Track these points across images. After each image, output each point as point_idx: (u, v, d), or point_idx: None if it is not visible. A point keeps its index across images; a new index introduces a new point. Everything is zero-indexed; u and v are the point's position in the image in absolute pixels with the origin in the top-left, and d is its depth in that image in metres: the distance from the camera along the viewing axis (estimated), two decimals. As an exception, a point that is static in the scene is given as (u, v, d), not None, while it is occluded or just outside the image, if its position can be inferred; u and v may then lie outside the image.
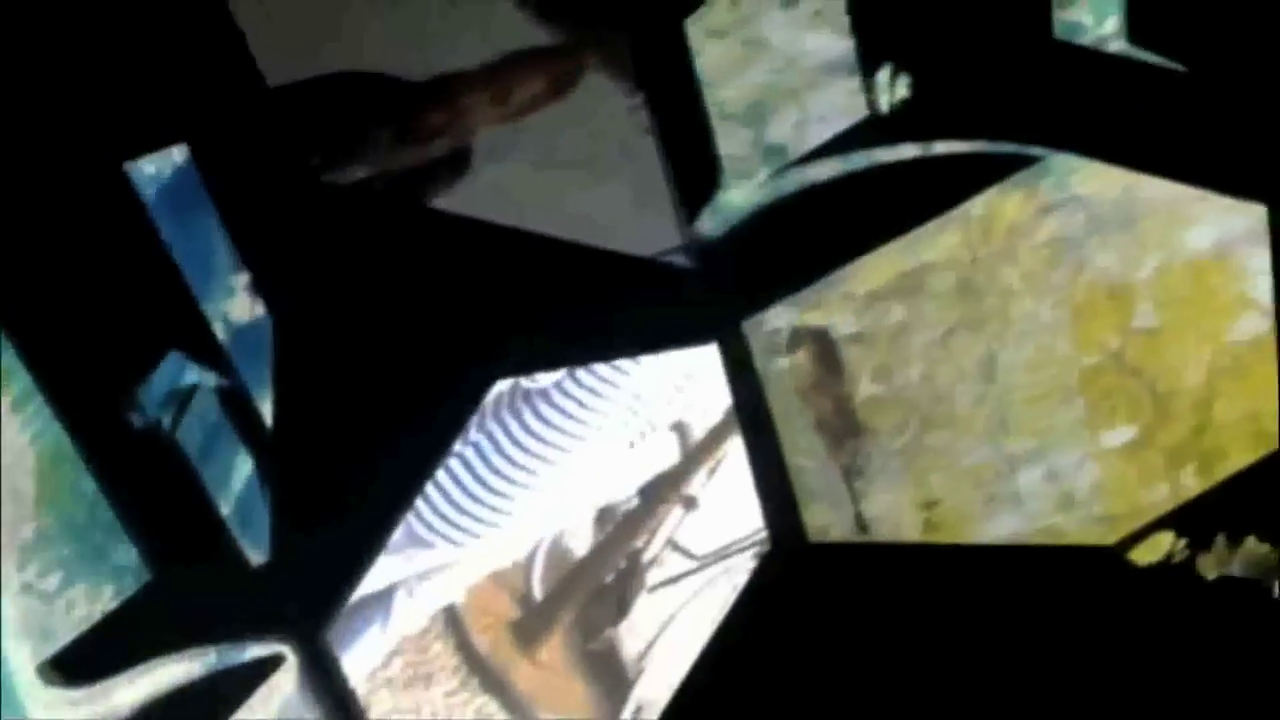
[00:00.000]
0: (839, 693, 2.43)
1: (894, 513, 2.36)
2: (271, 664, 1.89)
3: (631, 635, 2.35)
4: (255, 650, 1.87)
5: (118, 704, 1.75)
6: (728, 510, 2.43)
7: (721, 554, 2.45)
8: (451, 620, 2.15)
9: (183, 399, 1.74)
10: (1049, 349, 2.15)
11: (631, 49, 1.97)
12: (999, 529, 2.29)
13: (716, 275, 2.19)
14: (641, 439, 2.35)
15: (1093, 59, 1.98)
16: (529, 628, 2.24)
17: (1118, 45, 1.98)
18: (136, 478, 1.72)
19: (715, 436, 2.37)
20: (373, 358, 1.95)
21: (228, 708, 1.86)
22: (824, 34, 2.00)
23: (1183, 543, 2.26)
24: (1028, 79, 2.00)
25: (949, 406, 2.23)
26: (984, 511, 2.29)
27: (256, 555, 1.86)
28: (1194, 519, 2.26)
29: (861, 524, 2.42)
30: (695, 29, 1.98)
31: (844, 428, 2.38)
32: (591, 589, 2.30)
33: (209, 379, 1.77)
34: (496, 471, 2.15)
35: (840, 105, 2.08)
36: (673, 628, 2.40)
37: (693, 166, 2.09)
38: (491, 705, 2.24)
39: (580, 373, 2.23)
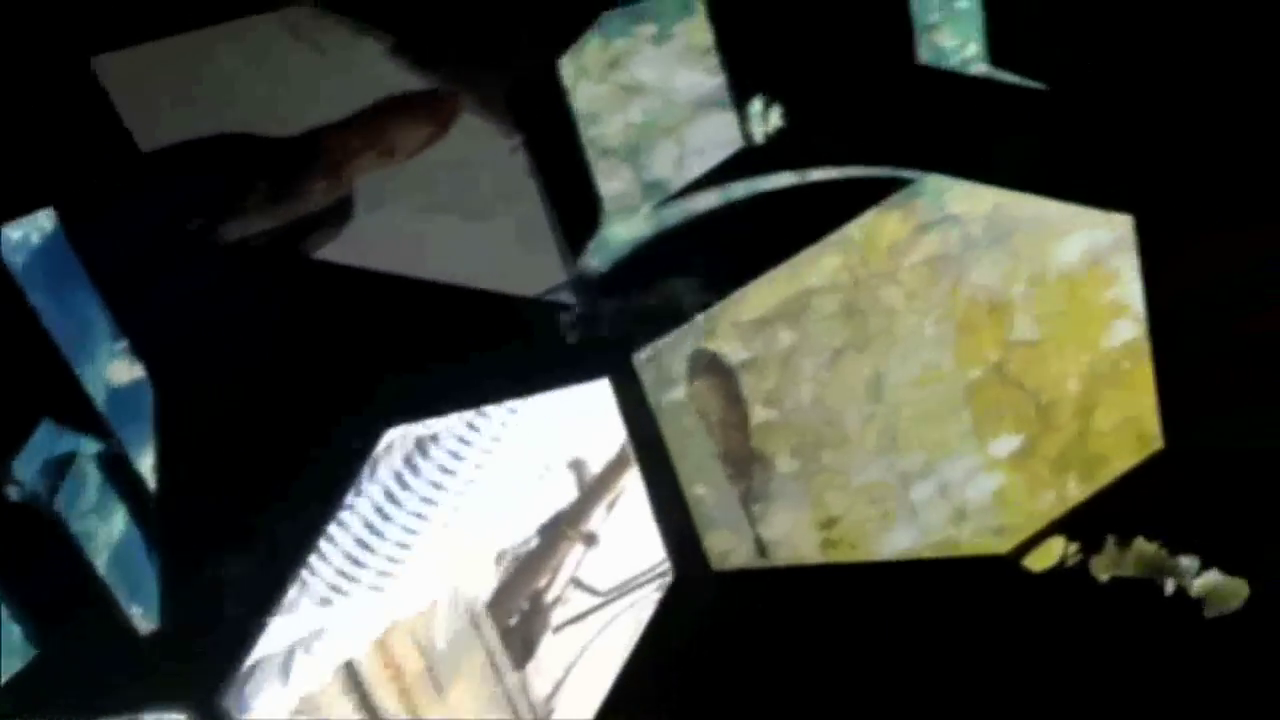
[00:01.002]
0: (751, 718, 2.43)
1: (793, 534, 2.37)
2: (170, 733, 1.85)
3: (539, 676, 2.34)
4: (152, 720, 1.83)
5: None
6: (629, 544, 2.42)
7: (625, 588, 2.44)
8: (353, 676, 2.12)
9: (60, 468, 1.69)
10: (934, 365, 2.19)
11: (506, 91, 1.98)
12: (896, 544, 2.32)
13: (604, 311, 2.20)
14: (538, 479, 2.34)
15: (957, 82, 2.03)
16: (434, 677, 2.21)
17: (980, 68, 2.03)
18: (16, 552, 1.67)
19: (612, 471, 2.37)
20: (258, 414, 1.92)
21: (126, 780, 1.81)
22: (695, 69, 2.02)
23: (1075, 547, 2.31)
24: (896, 104, 2.04)
25: (840, 427, 2.25)
26: (880, 528, 2.31)
27: (146, 623, 1.81)
28: (1084, 523, 2.31)
29: (762, 547, 2.43)
30: (569, 69, 2.00)
31: (741, 454, 2.39)
32: (496, 633, 2.28)
33: (87, 445, 1.73)
34: (392, 521, 2.12)
35: (717, 138, 2.10)
36: (580, 666, 2.39)
37: (575, 204, 2.10)
38: (400, 758, 2.21)
39: (473, 416, 2.22)
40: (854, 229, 2.10)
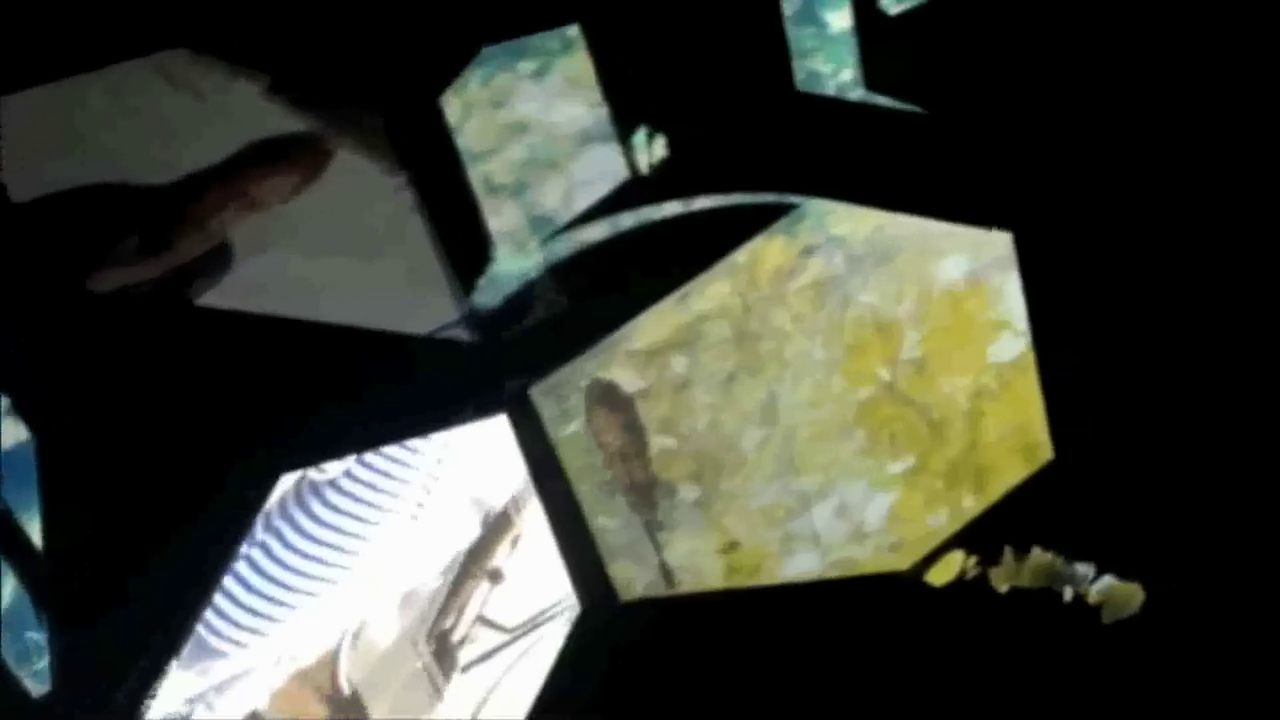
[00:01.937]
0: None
1: (696, 561, 2.38)
2: (66, 796, 1.80)
3: (449, 717, 2.31)
4: (48, 784, 1.78)
5: None
6: (534, 579, 2.41)
7: (533, 624, 2.43)
8: (257, 728, 2.08)
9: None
10: (825, 386, 2.21)
11: (387, 129, 1.97)
12: (798, 566, 2.34)
13: (498, 346, 2.20)
14: (441, 519, 2.32)
15: (835, 107, 2.07)
16: (339, 724, 2.18)
17: (857, 93, 2.07)
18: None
19: (514, 507, 2.36)
20: (147, 467, 1.89)
21: None
22: (577, 103, 2.03)
23: (973, 560, 2.34)
24: (777, 130, 2.07)
25: (738, 451, 2.27)
26: (782, 550, 2.33)
27: (38, 685, 1.77)
28: (981, 536, 2.34)
29: (667, 575, 2.44)
30: (451, 106, 2.00)
31: (642, 483, 2.40)
32: (402, 676, 2.25)
33: (-32, 509, 1.69)
34: (289, 568, 2.09)
35: (603, 170, 2.12)
36: (490, 704, 2.36)
37: (463, 241, 2.10)
38: (308, 810, 2.17)
39: (369, 458, 2.20)
40: (741, 255, 2.13)
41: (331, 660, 2.16)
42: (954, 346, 2.22)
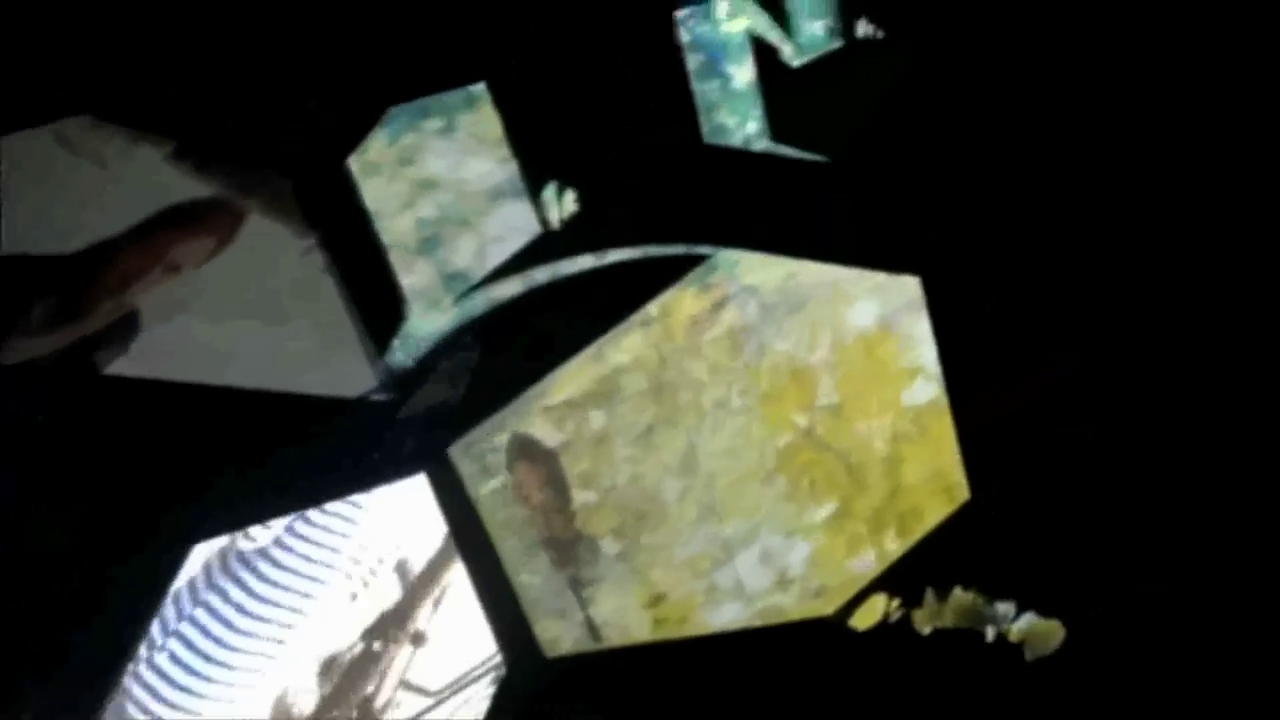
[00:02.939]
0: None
1: (622, 615, 2.37)
2: None
3: (374, 785, 2.27)
4: None
5: None
6: (459, 640, 2.38)
7: (457, 685, 2.40)
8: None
9: None
10: (744, 434, 2.22)
11: (295, 191, 1.97)
12: (724, 615, 2.33)
13: (415, 405, 2.18)
14: (364, 586, 2.29)
15: (742, 159, 2.10)
16: (260, 796, 2.13)
17: (762, 144, 2.10)
18: None
19: (436, 567, 2.34)
20: (61, 539, 1.85)
21: None
22: (486, 159, 2.04)
23: (896, 602, 2.35)
24: (685, 182, 2.09)
25: (659, 502, 2.27)
26: (707, 600, 2.32)
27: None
28: (903, 578, 2.36)
29: (593, 630, 2.42)
30: (357, 166, 2.00)
31: (565, 538, 2.39)
32: (325, 744, 2.21)
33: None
34: (211, 637, 2.05)
35: (514, 225, 2.12)
36: (416, 770, 2.33)
37: (376, 301, 2.09)
38: None
39: (291, 522, 2.17)
40: (654, 307, 2.14)
41: (253, 731, 2.12)
42: (869, 391, 2.25)
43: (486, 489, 2.36)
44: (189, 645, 2.04)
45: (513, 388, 2.28)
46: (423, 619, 2.34)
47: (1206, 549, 2.28)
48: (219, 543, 2.11)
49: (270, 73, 1.92)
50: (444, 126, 2.00)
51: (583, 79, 2.05)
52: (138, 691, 1.98)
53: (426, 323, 2.14)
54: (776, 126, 2.08)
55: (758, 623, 2.32)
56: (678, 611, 2.33)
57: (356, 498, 2.23)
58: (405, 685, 2.31)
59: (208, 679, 2.05)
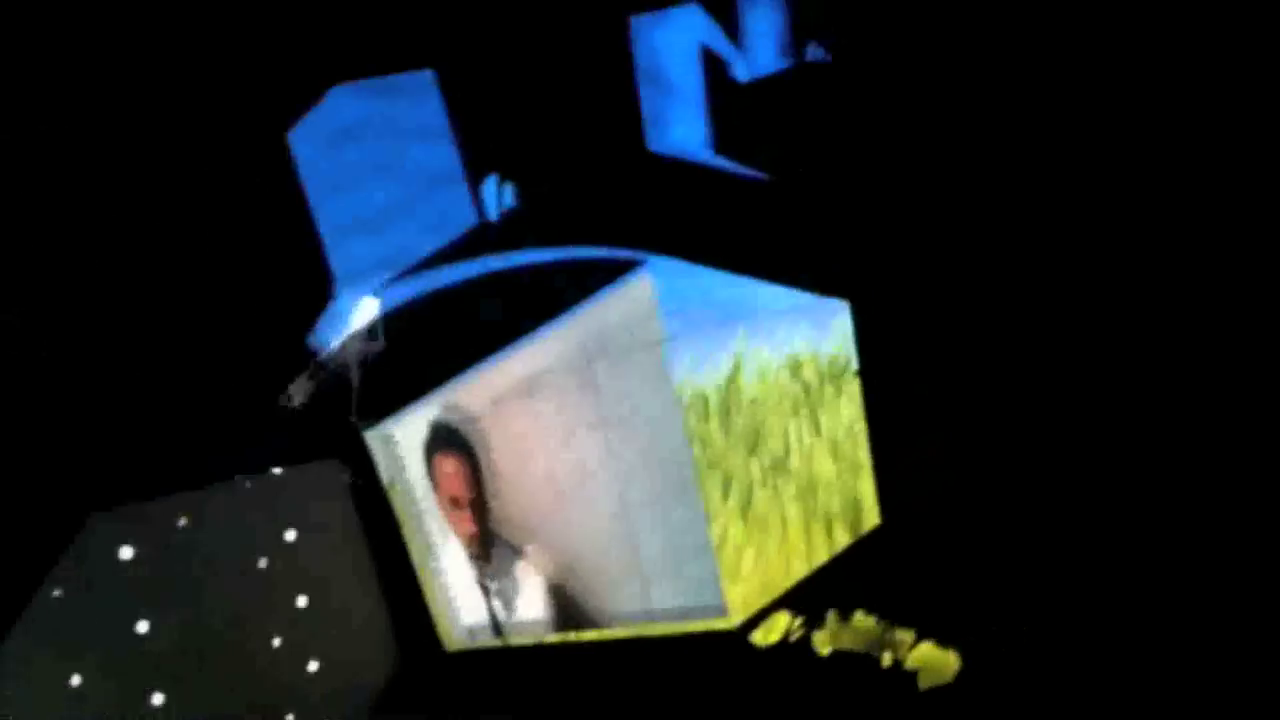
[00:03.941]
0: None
1: (529, 613, 2.37)
2: None
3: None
4: None
5: None
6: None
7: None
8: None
9: None
10: (664, 440, 2.20)
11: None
12: (628, 620, 2.32)
13: (333, 386, 2.17)
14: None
15: (683, 169, 2.10)
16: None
17: (705, 155, 2.11)
18: None
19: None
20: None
21: None
22: (429, 147, 2.04)
23: (799, 621, 2.35)
24: (625, 187, 2.10)
25: (573, 504, 2.26)
26: (612, 604, 2.32)
27: None
28: (808, 598, 2.36)
29: (498, 628, 2.42)
30: (301, 144, 1.99)
31: (476, 533, 2.38)
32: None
33: None
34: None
35: (451, 214, 2.12)
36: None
37: (307, 278, 2.08)
38: None
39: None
40: (588, 309, 2.13)
41: None
42: (791, 412, 2.25)
43: (401, 478, 2.35)
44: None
45: (436, 378, 2.27)
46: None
47: (1114, 589, 2.30)
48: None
49: (215, 48, 1.91)
50: (390, 110, 1.99)
51: (533, 76, 2.06)
52: None
53: (354, 305, 2.13)
54: (720, 139, 2.10)
55: (660, 632, 2.32)
56: (582, 613, 2.33)
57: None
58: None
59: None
